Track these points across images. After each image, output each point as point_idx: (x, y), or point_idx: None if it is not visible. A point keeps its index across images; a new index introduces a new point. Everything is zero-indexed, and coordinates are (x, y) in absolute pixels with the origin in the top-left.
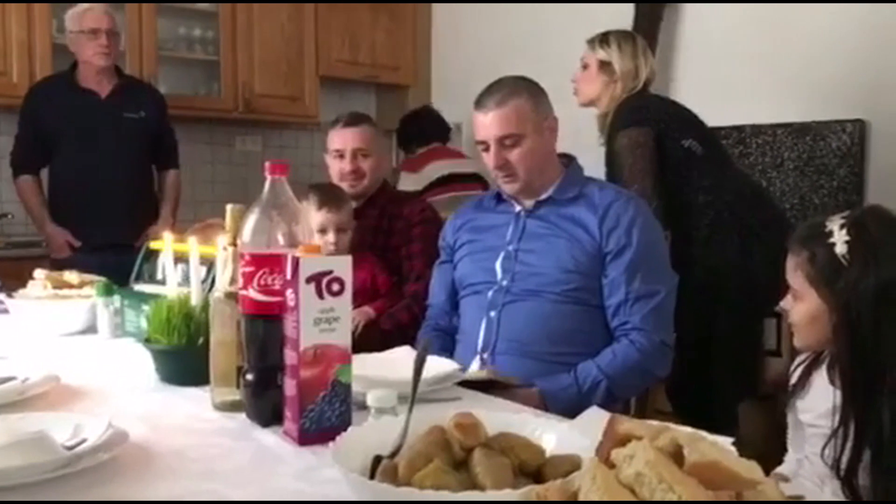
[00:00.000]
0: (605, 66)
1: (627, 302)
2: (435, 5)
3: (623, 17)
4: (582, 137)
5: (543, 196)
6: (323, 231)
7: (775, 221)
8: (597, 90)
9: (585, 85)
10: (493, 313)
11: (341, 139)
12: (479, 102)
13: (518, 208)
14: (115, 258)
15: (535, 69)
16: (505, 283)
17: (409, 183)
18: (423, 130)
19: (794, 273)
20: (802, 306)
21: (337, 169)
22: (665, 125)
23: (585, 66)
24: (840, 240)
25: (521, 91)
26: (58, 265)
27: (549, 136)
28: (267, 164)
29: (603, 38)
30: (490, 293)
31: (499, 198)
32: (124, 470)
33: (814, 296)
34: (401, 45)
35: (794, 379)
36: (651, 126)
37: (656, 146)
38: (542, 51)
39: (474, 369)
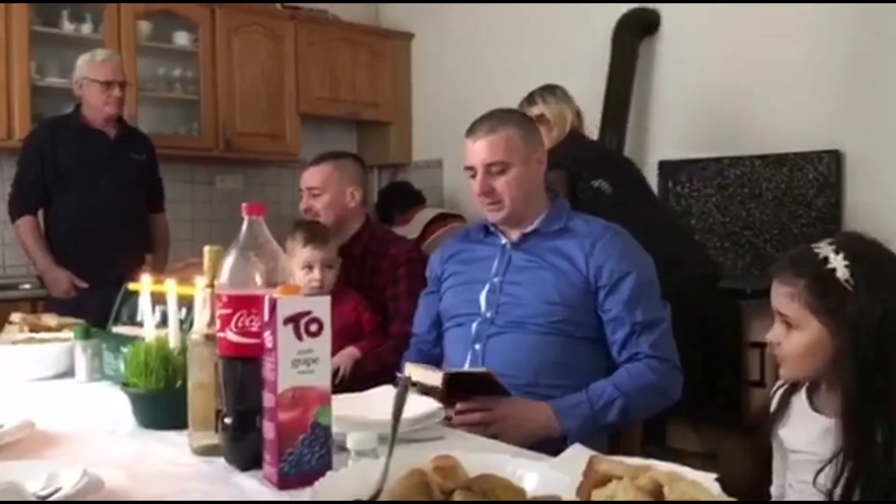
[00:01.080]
0: (540, 118)
1: (634, 334)
2: (414, 42)
3: (600, 54)
4: None
5: (529, 228)
6: (309, 267)
7: (679, 258)
8: None
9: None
10: (477, 346)
11: (301, 178)
12: (471, 129)
13: (504, 241)
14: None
15: (512, 103)
16: (489, 314)
17: (405, 233)
18: (404, 199)
19: (790, 302)
20: (799, 336)
21: (300, 205)
22: (577, 167)
23: None
24: (839, 265)
25: (513, 122)
26: (56, 306)
27: (537, 168)
28: (244, 205)
29: (531, 97)
30: (474, 325)
31: (486, 230)
32: None
33: (813, 324)
34: (381, 81)
35: (773, 406)
36: (564, 168)
37: (569, 187)
38: (522, 87)
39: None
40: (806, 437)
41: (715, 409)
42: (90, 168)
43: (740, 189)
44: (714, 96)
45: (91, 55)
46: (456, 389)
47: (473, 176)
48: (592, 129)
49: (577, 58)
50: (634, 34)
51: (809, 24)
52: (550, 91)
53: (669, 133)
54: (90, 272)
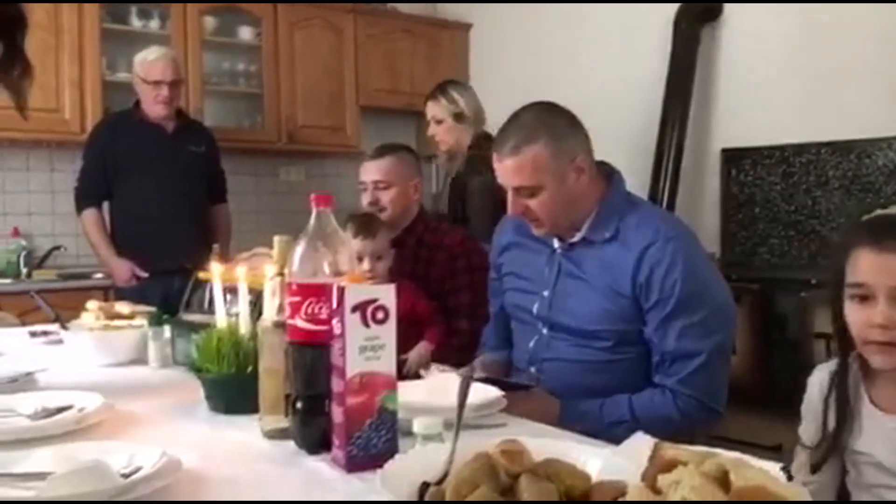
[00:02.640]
0: (458, 115)
1: (664, 363)
2: (472, 32)
3: (661, 42)
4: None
5: (576, 237)
6: (359, 259)
7: None
8: (456, 137)
9: (448, 136)
10: (533, 368)
11: (364, 172)
12: (497, 143)
13: (556, 244)
14: (181, 282)
15: (573, 94)
16: (545, 331)
17: None
18: None
19: None
20: None
21: (363, 199)
22: None
23: (440, 122)
24: None
25: (540, 135)
26: (121, 293)
27: (576, 177)
28: (312, 196)
29: (446, 93)
30: (531, 344)
31: None
32: (178, 498)
33: None
34: (439, 72)
35: (831, 420)
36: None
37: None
38: (581, 77)
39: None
40: (885, 448)
41: (779, 400)
42: (148, 161)
43: (805, 177)
44: (778, 82)
45: (145, 54)
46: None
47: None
48: (654, 118)
49: (637, 46)
50: (696, 20)
51: (875, 8)
52: (466, 87)
53: (732, 120)
54: (151, 261)
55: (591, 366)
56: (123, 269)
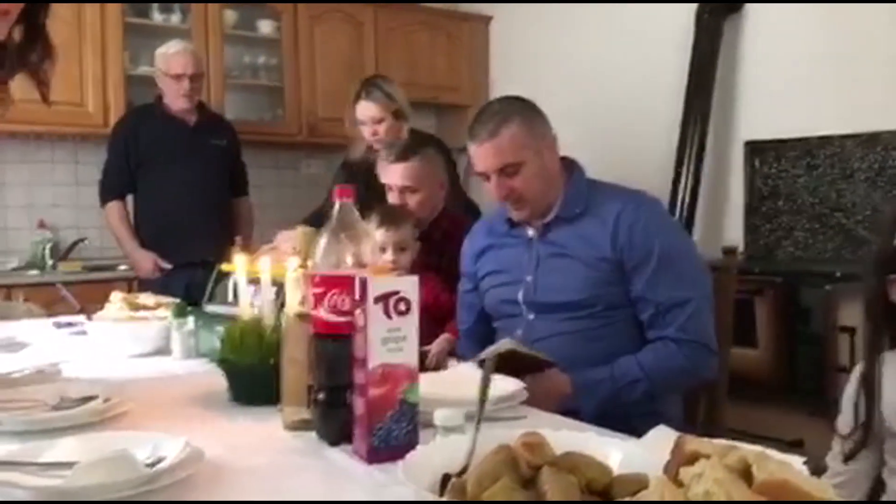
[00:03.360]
0: (397, 112)
1: (659, 315)
2: (492, 24)
3: (684, 33)
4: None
5: (550, 217)
6: (382, 249)
7: None
8: (396, 135)
9: (390, 135)
10: None
11: (389, 175)
12: (472, 132)
13: (530, 232)
14: (204, 274)
15: (595, 87)
16: (531, 317)
17: None
18: None
19: None
20: None
21: (389, 199)
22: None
23: (380, 121)
24: None
25: (513, 116)
26: (145, 285)
27: (549, 155)
28: (336, 188)
29: (381, 90)
30: (520, 332)
31: (510, 222)
32: (201, 488)
33: None
34: (459, 65)
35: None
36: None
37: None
38: (602, 69)
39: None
40: None
41: (801, 395)
42: (171, 154)
43: (830, 169)
44: (802, 74)
45: (166, 48)
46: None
47: (487, 180)
48: (677, 110)
49: (659, 37)
50: (718, 12)
51: None
52: (392, 82)
53: (756, 113)
54: (174, 254)
55: (582, 335)
56: (147, 262)
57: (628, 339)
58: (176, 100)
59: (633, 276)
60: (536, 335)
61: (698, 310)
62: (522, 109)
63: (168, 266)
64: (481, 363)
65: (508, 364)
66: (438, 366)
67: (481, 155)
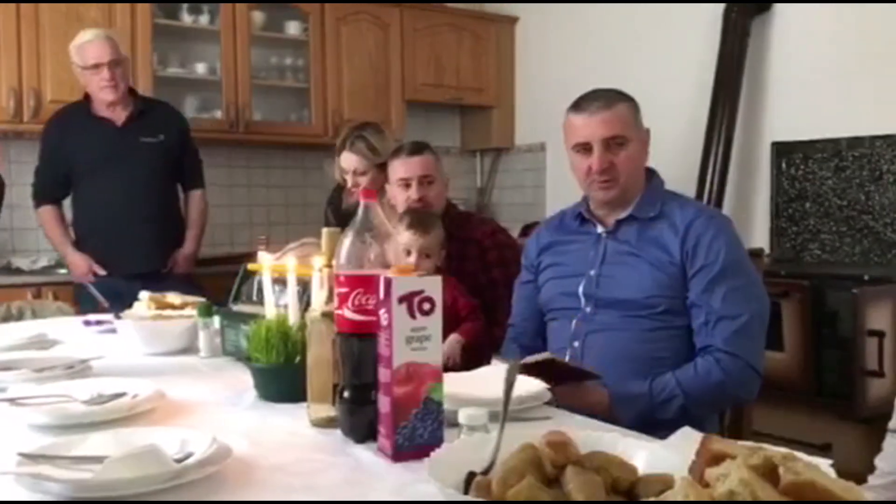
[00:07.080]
0: (381, 165)
1: (709, 324)
2: (518, 26)
3: (710, 34)
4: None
5: (624, 214)
6: (407, 252)
7: None
8: (379, 185)
9: (373, 186)
10: (576, 343)
11: (406, 168)
12: (580, 106)
13: (600, 230)
14: (143, 286)
15: (620, 87)
16: (588, 309)
17: None
18: None
19: None
20: None
21: (403, 198)
22: None
23: (363, 173)
24: None
25: (625, 98)
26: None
27: (644, 149)
28: (361, 190)
29: (365, 141)
30: (573, 323)
31: (581, 218)
32: (229, 483)
33: None
34: (484, 66)
35: None
36: None
37: None
38: (628, 70)
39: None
40: None
41: (829, 399)
42: (98, 161)
43: (859, 171)
44: (830, 74)
45: (78, 38)
46: (541, 373)
47: (581, 152)
48: (703, 111)
49: (685, 38)
50: (746, 12)
51: None
52: (377, 131)
53: (783, 113)
54: (111, 258)
55: (637, 335)
56: (81, 264)
57: (679, 348)
58: (99, 93)
59: (692, 282)
60: (591, 327)
61: (748, 327)
62: (630, 98)
63: (102, 272)
64: (523, 367)
65: (547, 372)
66: (452, 367)
67: (592, 123)
